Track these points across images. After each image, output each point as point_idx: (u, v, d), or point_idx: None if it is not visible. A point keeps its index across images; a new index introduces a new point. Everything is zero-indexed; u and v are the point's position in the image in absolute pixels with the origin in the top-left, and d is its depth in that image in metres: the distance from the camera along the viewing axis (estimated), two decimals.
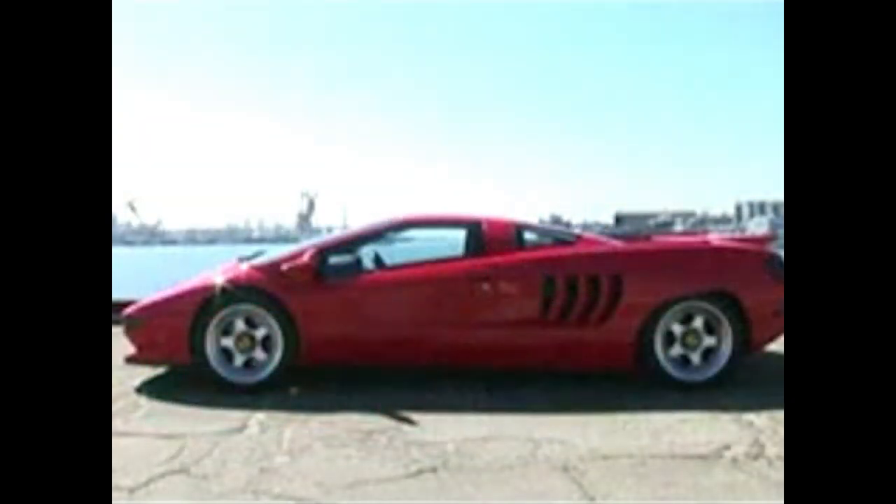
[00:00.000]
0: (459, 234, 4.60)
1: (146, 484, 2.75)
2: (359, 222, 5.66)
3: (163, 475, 2.84)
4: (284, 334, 4.16)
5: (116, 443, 3.10)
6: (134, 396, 4.08)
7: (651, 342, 4.13)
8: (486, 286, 4.20)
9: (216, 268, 4.72)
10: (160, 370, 4.59)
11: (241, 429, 3.44)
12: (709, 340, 4.18)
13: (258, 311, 4.19)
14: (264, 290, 4.21)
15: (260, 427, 3.47)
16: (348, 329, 4.26)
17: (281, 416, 3.62)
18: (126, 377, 4.38)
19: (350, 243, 4.55)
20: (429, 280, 4.33)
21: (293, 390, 4.09)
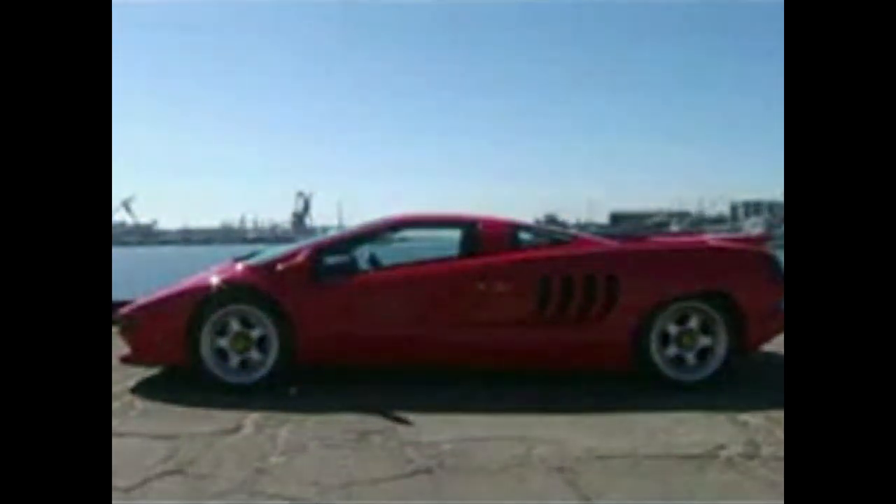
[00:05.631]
0: (455, 234, 4.60)
1: (142, 484, 2.75)
2: (354, 222, 5.65)
3: (158, 475, 2.84)
4: (280, 335, 4.15)
5: (112, 443, 3.09)
6: (129, 397, 4.07)
7: (647, 342, 4.14)
8: (481, 286, 4.20)
9: (211, 268, 4.71)
10: (155, 370, 4.58)
11: (237, 429, 3.43)
12: (704, 340, 4.20)
13: (254, 312, 4.18)
14: (260, 290, 4.20)
15: (255, 427, 3.46)
16: (344, 329, 4.25)
17: (276, 417, 3.61)
18: (121, 377, 4.36)
19: (346, 243, 4.55)
20: (424, 280, 4.33)
21: (291, 390, 4.08)
